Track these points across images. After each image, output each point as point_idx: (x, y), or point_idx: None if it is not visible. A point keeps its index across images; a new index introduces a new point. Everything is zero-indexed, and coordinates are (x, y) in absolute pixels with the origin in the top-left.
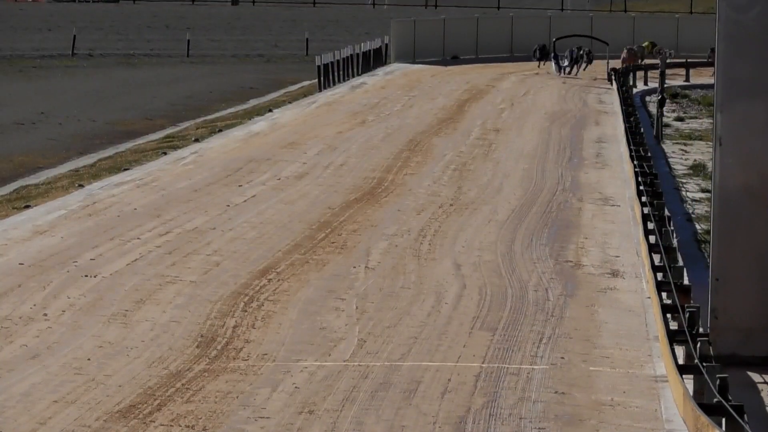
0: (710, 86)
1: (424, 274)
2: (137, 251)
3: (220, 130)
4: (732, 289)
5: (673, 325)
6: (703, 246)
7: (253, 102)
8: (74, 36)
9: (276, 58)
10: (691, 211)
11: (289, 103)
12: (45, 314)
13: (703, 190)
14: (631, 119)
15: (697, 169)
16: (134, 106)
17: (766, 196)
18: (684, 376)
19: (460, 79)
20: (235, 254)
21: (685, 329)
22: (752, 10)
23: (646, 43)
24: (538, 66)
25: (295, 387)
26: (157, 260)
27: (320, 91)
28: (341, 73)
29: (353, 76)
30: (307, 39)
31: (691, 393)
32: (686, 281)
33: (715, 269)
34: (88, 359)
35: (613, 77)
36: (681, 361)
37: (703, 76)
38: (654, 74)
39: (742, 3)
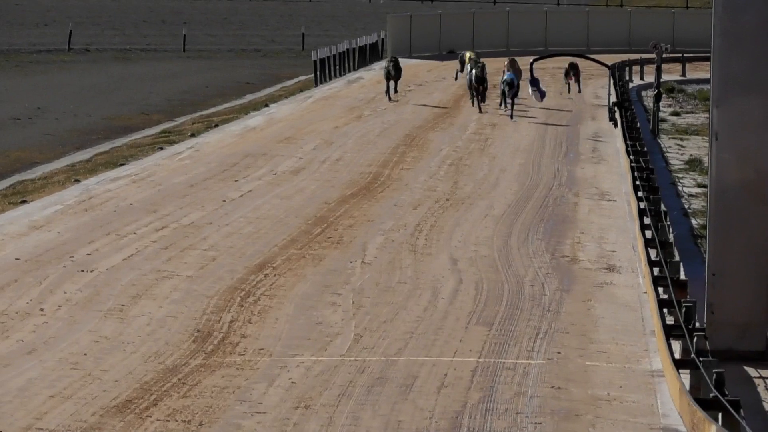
0: (706, 81)
1: (421, 269)
2: (133, 246)
3: (217, 125)
4: (728, 284)
5: (670, 320)
6: (699, 241)
7: (249, 97)
8: (70, 31)
9: (272, 53)
10: (687, 206)
11: (286, 98)
12: (41, 309)
13: (700, 185)
14: (628, 114)
15: (694, 164)
16: (130, 101)
17: (762, 191)
18: (680, 371)
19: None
20: (231, 249)
21: (682, 324)
22: (748, 5)
23: (468, 55)
24: (473, 101)
25: (292, 382)
26: (154, 255)
27: (317, 85)
28: (338, 67)
29: (350, 71)
30: (303, 34)
31: (688, 388)
32: (682, 276)
33: (711, 264)
34: (85, 354)
35: (617, 114)
36: (677, 356)
37: (699, 71)
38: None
39: None
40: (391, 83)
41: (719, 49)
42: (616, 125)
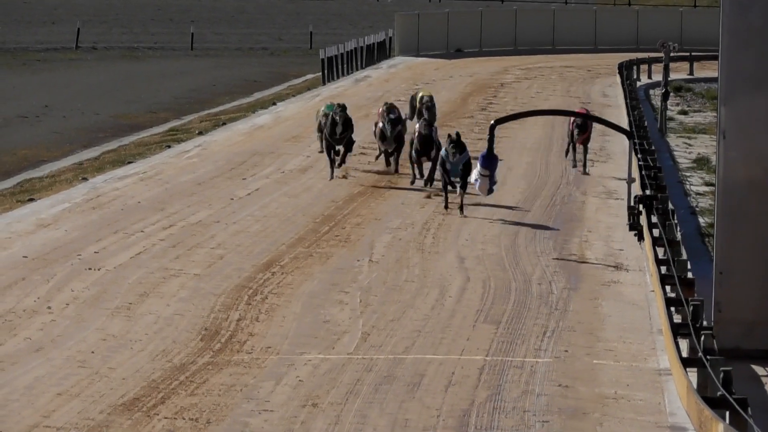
0: (714, 80)
1: (428, 267)
2: (141, 244)
3: (224, 124)
4: (736, 282)
5: (677, 319)
6: (706, 239)
7: (257, 95)
8: (78, 29)
9: (280, 52)
10: (694, 205)
11: (293, 96)
12: (49, 307)
13: (707, 184)
14: (635, 113)
15: (701, 162)
16: (138, 99)
17: None
18: (688, 369)
19: (464, 73)
20: (238, 247)
21: (689, 322)
22: (756, 4)
23: (421, 94)
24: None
25: (299, 380)
26: (161, 253)
27: (324, 84)
28: (345, 66)
29: (357, 70)
30: (311, 32)
31: (695, 386)
32: (690, 274)
33: (718, 262)
34: (92, 352)
35: (641, 214)
36: (685, 355)
37: (706, 70)
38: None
39: None
40: (337, 153)
41: (727, 48)
42: (640, 238)
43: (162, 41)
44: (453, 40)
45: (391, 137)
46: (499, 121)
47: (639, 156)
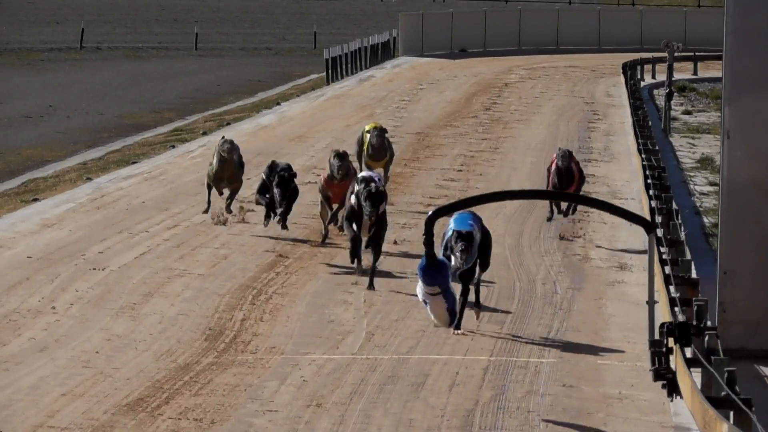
0: (718, 79)
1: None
2: (145, 244)
3: (228, 124)
4: (740, 282)
5: (681, 319)
6: (710, 239)
7: (261, 95)
8: (82, 29)
9: (284, 51)
10: (698, 205)
11: (297, 96)
12: (53, 307)
13: (711, 184)
14: (639, 112)
15: (705, 162)
16: (142, 99)
17: None
18: (692, 369)
19: (468, 72)
20: (243, 247)
21: (693, 322)
22: (760, 3)
23: (368, 127)
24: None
25: (303, 380)
26: (165, 253)
27: (328, 84)
28: (349, 66)
29: (361, 70)
30: (315, 32)
31: (699, 386)
32: (694, 275)
33: (722, 262)
34: (96, 352)
35: (671, 353)
36: (689, 355)
37: (710, 70)
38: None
39: None
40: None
41: (731, 48)
42: (673, 392)
43: (166, 41)
44: (457, 40)
45: (370, 215)
46: (439, 212)
47: (643, 156)
